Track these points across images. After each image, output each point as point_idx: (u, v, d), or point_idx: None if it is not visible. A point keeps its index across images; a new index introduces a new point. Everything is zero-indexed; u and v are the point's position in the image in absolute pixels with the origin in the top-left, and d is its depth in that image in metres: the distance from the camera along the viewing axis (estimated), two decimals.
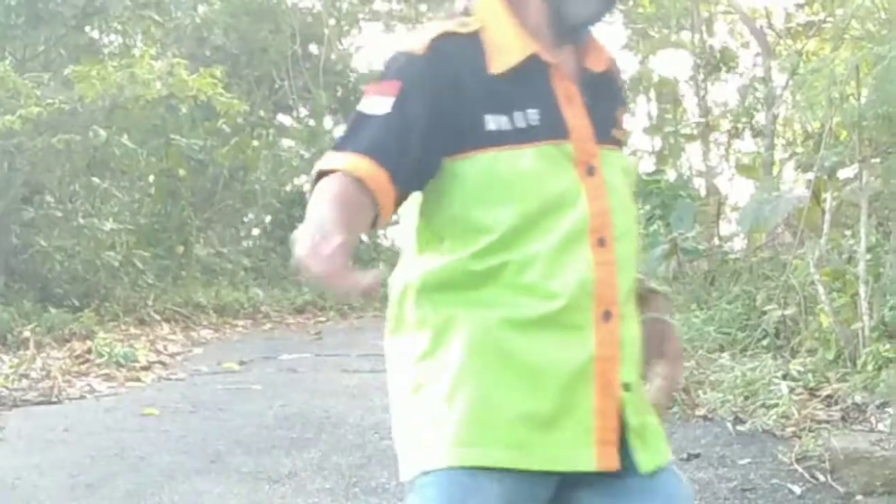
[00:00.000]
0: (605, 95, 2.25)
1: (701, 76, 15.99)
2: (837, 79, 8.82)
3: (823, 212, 9.69)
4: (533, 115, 2.09)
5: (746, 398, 8.05)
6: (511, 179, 2.07)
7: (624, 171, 2.19)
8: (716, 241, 13.71)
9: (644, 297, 2.34)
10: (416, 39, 2.12)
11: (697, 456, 7.10)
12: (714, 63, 15.69)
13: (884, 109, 8.32)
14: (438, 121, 2.08)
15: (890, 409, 7.13)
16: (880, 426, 7.07)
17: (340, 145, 2.09)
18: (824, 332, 8.44)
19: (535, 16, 2.15)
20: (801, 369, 8.23)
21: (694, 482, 6.56)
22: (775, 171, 13.80)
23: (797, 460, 6.56)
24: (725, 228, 14.62)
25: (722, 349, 9.63)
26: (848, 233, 10.34)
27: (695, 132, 16.64)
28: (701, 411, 8.17)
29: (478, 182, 2.08)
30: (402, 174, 2.06)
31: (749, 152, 16.08)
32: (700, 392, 8.51)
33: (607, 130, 2.21)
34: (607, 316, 2.11)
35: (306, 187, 2.10)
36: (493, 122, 2.08)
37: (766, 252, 11.90)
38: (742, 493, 6.36)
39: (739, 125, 15.61)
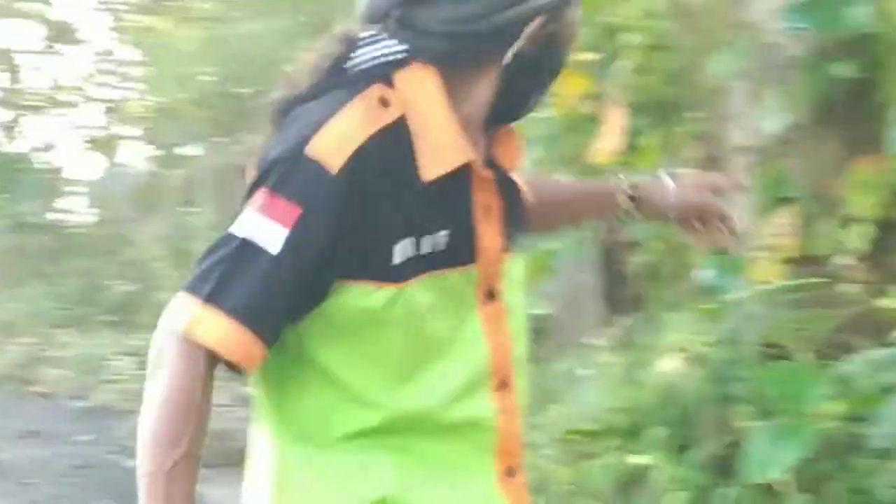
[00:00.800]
0: (513, 196, 1.84)
1: (45, 47, 15.82)
2: (184, 57, 9.34)
3: (167, 188, 10.17)
4: (442, 238, 1.68)
5: (88, 374, 8.32)
6: (397, 320, 1.69)
7: (521, 279, 1.87)
8: (59, 215, 13.76)
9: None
10: (332, 143, 1.60)
11: (36, 434, 7.22)
12: (58, 34, 15.62)
13: (228, 88, 8.98)
14: (338, 255, 1.63)
15: None
16: None
17: (212, 293, 1.57)
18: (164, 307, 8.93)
19: (477, 103, 1.73)
20: (143, 344, 8.62)
21: (31, 460, 6.69)
22: (120, 146, 14.18)
23: (132, 435, 6.91)
24: (71, 203, 14.70)
25: (64, 325, 9.79)
26: (193, 209, 10.89)
27: (39, 104, 16.44)
28: (40, 388, 8.29)
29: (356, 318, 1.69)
30: (276, 334, 1.63)
31: (96, 126, 16.27)
32: (40, 369, 8.61)
33: (513, 239, 1.83)
34: (510, 471, 1.81)
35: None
36: (400, 252, 1.65)
37: (111, 227, 12.19)
38: (78, 469, 6.58)
39: (85, 99, 15.74)
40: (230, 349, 1.57)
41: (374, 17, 1.70)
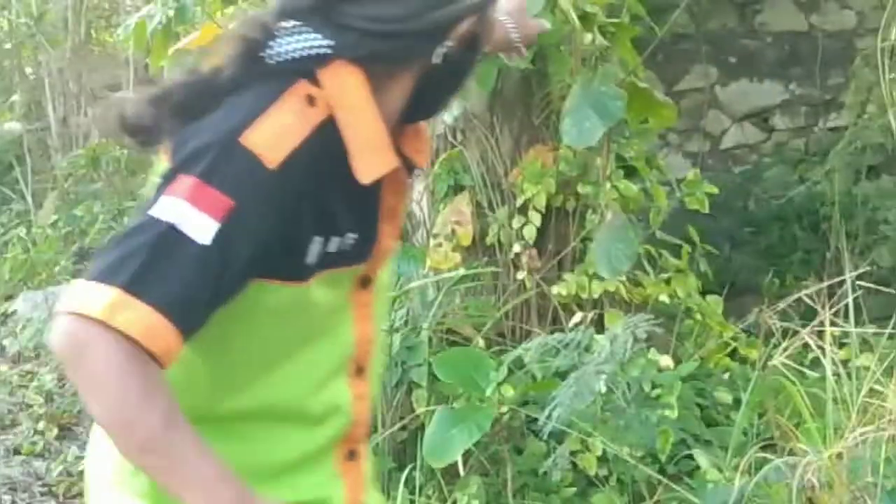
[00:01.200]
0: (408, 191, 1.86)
1: None
2: None
3: None
4: (349, 239, 1.68)
5: None
6: (286, 313, 1.68)
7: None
8: None
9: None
10: (269, 138, 1.53)
11: None
12: None
13: None
14: (261, 253, 1.58)
15: None
16: None
17: (132, 281, 1.46)
18: None
19: (396, 103, 1.70)
20: None
21: None
22: None
23: None
24: None
25: None
26: None
27: None
28: None
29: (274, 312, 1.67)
30: (195, 329, 1.55)
31: None
32: None
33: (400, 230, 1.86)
34: (352, 454, 1.84)
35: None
36: (312, 252, 1.63)
37: None
38: None
39: None
40: (153, 341, 1.46)
41: (294, 9, 1.62)
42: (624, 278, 4.07)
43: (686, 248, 4.57)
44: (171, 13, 4.60)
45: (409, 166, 1.78)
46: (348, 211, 1.66)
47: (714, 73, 8.31)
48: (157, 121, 1.59)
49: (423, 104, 1.75)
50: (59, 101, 9.23)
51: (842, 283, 3.66)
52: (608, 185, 4.03)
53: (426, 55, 1.65)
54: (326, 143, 1.58)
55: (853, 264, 4.73)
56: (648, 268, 4.39)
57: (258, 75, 1.58)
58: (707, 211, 4.49)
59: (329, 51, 1.59)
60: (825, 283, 3.75)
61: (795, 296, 3.66)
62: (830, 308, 3.46)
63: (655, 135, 4.97)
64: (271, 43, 1.59)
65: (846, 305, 3.52)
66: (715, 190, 4.56)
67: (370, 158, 1.62)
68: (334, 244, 1.65)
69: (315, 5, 1.61)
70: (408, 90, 1.70)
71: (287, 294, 1.63)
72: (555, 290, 4.03)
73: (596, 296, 4.07)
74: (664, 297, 4.28)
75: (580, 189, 4.10)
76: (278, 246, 1.58)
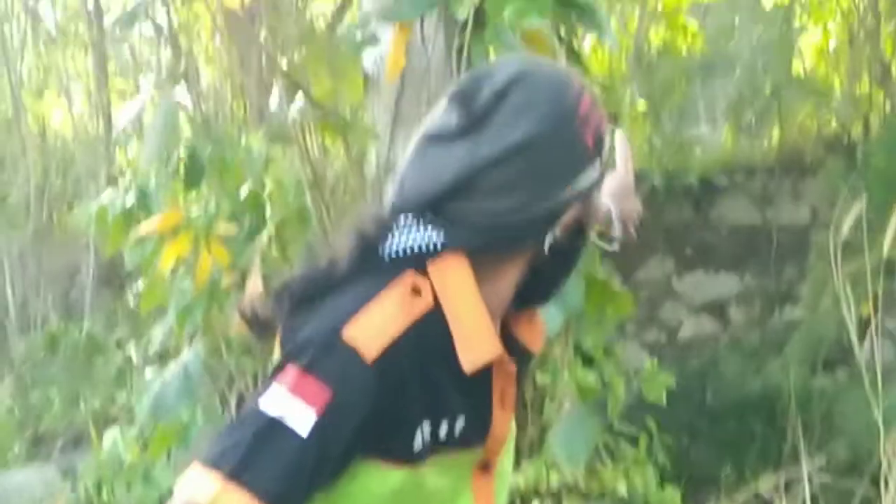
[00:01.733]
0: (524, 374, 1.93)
1: None
2: None
3: None
4: (459, 423, 1.74)
5: None
6: (401, 495, 1.74)
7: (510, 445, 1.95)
8: None
9: None
10: (368, 331, 1.62)
11: None
12: None
13: None
14: (365, 438, 1.66)
15: None
16: None
17: (236, 470, 1.57)
18: None
19: (506, 289, 1.81)
20: None
21: None
22: None
23: None
24: None
25: None
26: None
27: None
28: None
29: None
30: None
31: None
32: None
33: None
34: None
35: None
36: (420, 436, 1.70)
37: None
38: None
39: None
40: None
41: (408, 205, 1.72)
42: (582, 468, 4.13)
43: (644, 438, 4.65)
44: (133, 199, 4.76)
45: (524, 351, 1.87)
46: (457, 395, 1.72)
47: (670, 265, 8.56)
48: (275, 312, 1.72)
49: (535, 290, 1.85)
50: (19, 283, 9.33)
51: (799, 475, 3.74)
52: (566, 375, 4.13)
53: (535, 244, 1.75)
54: (430, 331, 1.66)
55: (810, 457, 4.81)
56: (606, 458, 4.46)
57: (371, 269, 1.69)
58: (664, 402, 4.59)
59: (441, 244, 1.69)
60: (783, 477, 3.83)
61: (753, 490, 3.73)
62: (787, 501, 3.53)
63: (613, 325, 5.10)
64: (387, 237, 1.70)
65: (803, 500, 3.60)
66: (672, 381, 4.67)
67: (474, 347, 1.69)
68: (444, 428, 1.71)
69: (428, 202, 1.70)
70: (518, 278, 1.79)
71: (398, 477, 1.69)
72: (513, 480, 4.07)
73: (554, 486, 4.12)
74: (622, 489, 4.34)
75: (538, 378, 4.20)
76: (386, 429, 1.65)
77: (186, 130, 5.09)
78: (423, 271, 1.69)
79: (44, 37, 11.51)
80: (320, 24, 9.63)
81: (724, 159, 9.53)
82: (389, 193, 1.76)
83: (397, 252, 1.69)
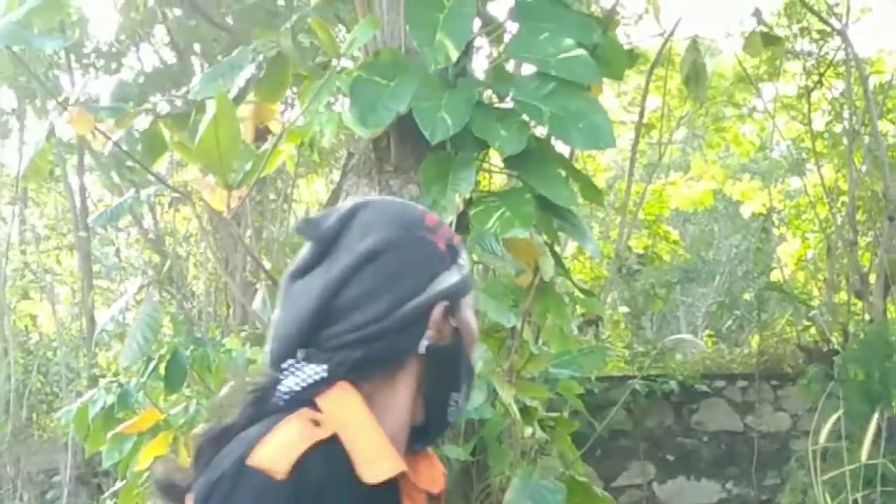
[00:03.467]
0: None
1: None
2: None
3: None
4: None
5: None
6: None
7: None
8: None
9: None
10: (273, 453, 1.67)
11: None
12: None
13: None
14: None
15: None
16: None
17: None
18: None
19: (398, 418, 1.84)
20: None
21: None
22: None
23: None
24: None
25: None
26: None
27: None
28: None
29: None
30: None
31: None
32: None
33: None
34: None
35: None
36: None
37: None
38: None
39: None
40: None
41: (287, 346, 1.80)
42: None
43: None
44: (114, 398, 4.79)
45: (428, 494, 1.88)
46: None
47: (651, 471, 8.56)
48: (185, 475, 1.75)
49: (430, 416, 1.87)
50: None
51: None
52: None
53: (410, 349, 1.80)
54: (332, 452, 1.69)
55: None
56: None
57: (268, 414, 1.74)
58: None
59: (325, 374, 1.76)
60: None
61: None
62: None
63: None
64: (276, 384, 1.77)
65: None
66: None
67: (374, 466, 1.72)
68: None
69: (301, 335, 1.78)
70: (408, 397, 1.83)
71: None
72: None
73: None
74: None
75: None
76: None
77: (169, 331, 5.17)
78: (316, 407, 1.74)
79: (30, 237, 11.71)
80: None
81: (704, 366, 9.64)
82: (267, 344, 1.84)
83: (289, 394, 1.76)
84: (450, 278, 1.84)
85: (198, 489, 1.69)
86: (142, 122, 4.59)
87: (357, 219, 1.84)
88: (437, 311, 1.80)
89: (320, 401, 1.75)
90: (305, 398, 1.75)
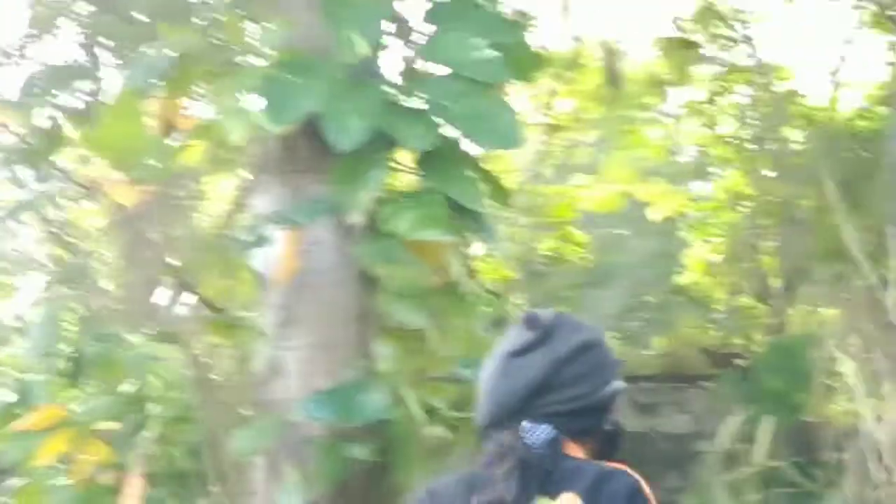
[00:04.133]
0: None
1: None
2: None
3: None
4: None
5: None
6: None
7: None
8: None
9: None
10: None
11: None
12: None
13: None
14: None
15: None
16: None
17: None
18: None
19: None
20: None
21: None
22: None
23: None
24: None
25: None
26: None
27: None
28: None
29: None
30: None
31: None
32: None
33: None
34: None
35: None
36: None
37: None
38: None
39: None
40: None
41: (507, 410, 2.31)
42: None
43: None
44: (14, 395, 4.74)
45: None
46: None
47: None
48: None
49: None
50: None
51: None
52: None
53: (601, 424, 2.34)
54: None
55: None
56: None
57: (532, 463, 2.24)
58: None
59: (553, 434, 2.27)
60: None
61: None
62: None
63: None
64: (525, 439, 2.26)
65: None
66: None
67: None
68: None
69: (522, 401, 2.31)
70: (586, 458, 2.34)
71: None
72: None
73: None
74: None
75: None
76: None
77: (73, 327, 5.12)
78: (566, 457, 2.28)
79: None
80: (212, 224, 9.78)
81: None
82: (481, 409, 2.36)
83: (541, 448, 2.26)
84: (619, 384, 2.38)
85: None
86: (47, 117, 4.54)
87: (565, 319, 2.44)
88: (618, 399, 2.37)
89: (570, 452, 2.29)
90: (557, 450, 2.27)
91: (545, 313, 2.44)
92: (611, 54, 6.69)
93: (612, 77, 6.65)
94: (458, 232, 4.24)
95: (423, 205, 3.98)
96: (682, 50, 8.81)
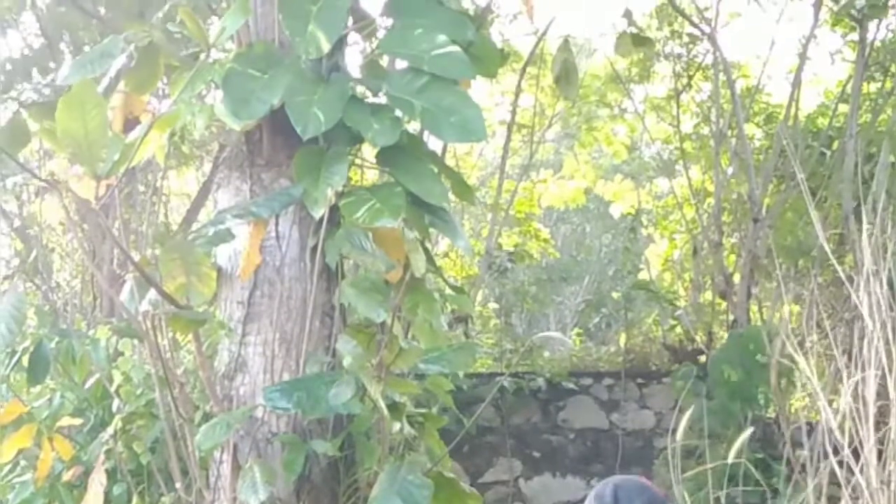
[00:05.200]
0: None
1: None
2: None
3: None
4: None
5: None
6: None
7: None
8: None
9: None
10: None
11: None
12: None
13: None
14: None
15: None
16: None
17: None
18: None
19: None
20: None
21: None
22: None
23: None
24: None
25: None
26: None
27: None
28: None
29: None
30: None
31: None
32: None
33: None
34: None
35: None
36: None
37: None
38: None
39: None
40: None
41: None
42: None
43: None
44: None
45: None
46: None
47: (518, 467, 8.69)
48: None
49: None
50: None
51: None
52: None
53: None
54: None
55: None
56: None
57: None
58: None
59: None
60: None
61: None
62: None
63: None
64: None
65: None
66: None
67: None
68: None
69: None
70: None
71: None
72: None
73: None
74: None
75: None
76: None
77: (34, 322, 5.10)
78: None
79: None
80: (174, 219, 9.75)
81: (571, 363, 9.82)
82: None
83: None
84: None
85: None
86: (7, 110, 4.52)
87: (624, 488, 2.97)
88: None
89: None
90: None
91: (608, 486, 2.98)
92: (563, 49, 6.71)
93: (566, 73, 6.66)
94: (420, 227, 4.26)
95: (384, 196, 3.98)
96: (640, 45, 8.85)
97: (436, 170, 4.30)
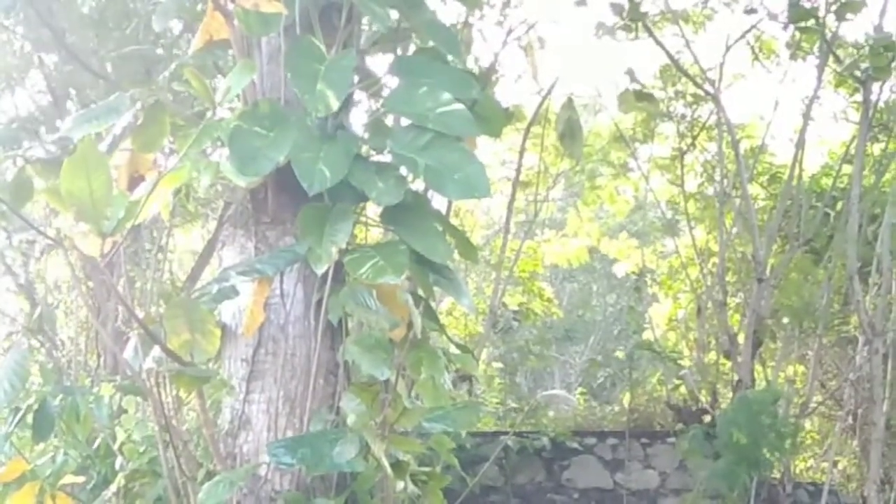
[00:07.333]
0: None
1: None
2: None
3: None
4: None
5: None
6: None
7: None
8: None
9: None
10: None
11: None
12: None
13: None
14: None
15: None
16: None
17: None
18: None
19: None
20: None
21: None
22: None
23: None
24: None
25: None
26: None
27: None
28: None
29: None
30: None
31: None
32: None
33: None
34: None
35: None
36: None
37: None
38: None
39: None
40: None
41: None
42: None
43: None
44: None
45: None
46: None
47: None
48: None
49: None
50: None
51: None
52: None
53: None
54: None
55: None
56: None
57: None
58: None
59: None
60: None
61: None
62: None
63: None
64: None
65: None
66: None
67: None
68: None
69: None
70: None
71: None
72: None
73: None
74: None
75: None
76: None
77: (38, 380, 5.10)
78: None
79: None
80: (179, 276, 9.77)
81: (576, 422, 9.79)
82: None
83: None
84: None
85: None
86: (14, 168, 4.55)
87: None
88: None
89: None
90: None
91: None
92: (567, 107, 6.74)
93: (571, 131, 6.69)
94: (424, 285, 4.26)
95: (387, 253, 3.99)
96: (642, 101, 8.90)
97: (440, 228, 4.32)
